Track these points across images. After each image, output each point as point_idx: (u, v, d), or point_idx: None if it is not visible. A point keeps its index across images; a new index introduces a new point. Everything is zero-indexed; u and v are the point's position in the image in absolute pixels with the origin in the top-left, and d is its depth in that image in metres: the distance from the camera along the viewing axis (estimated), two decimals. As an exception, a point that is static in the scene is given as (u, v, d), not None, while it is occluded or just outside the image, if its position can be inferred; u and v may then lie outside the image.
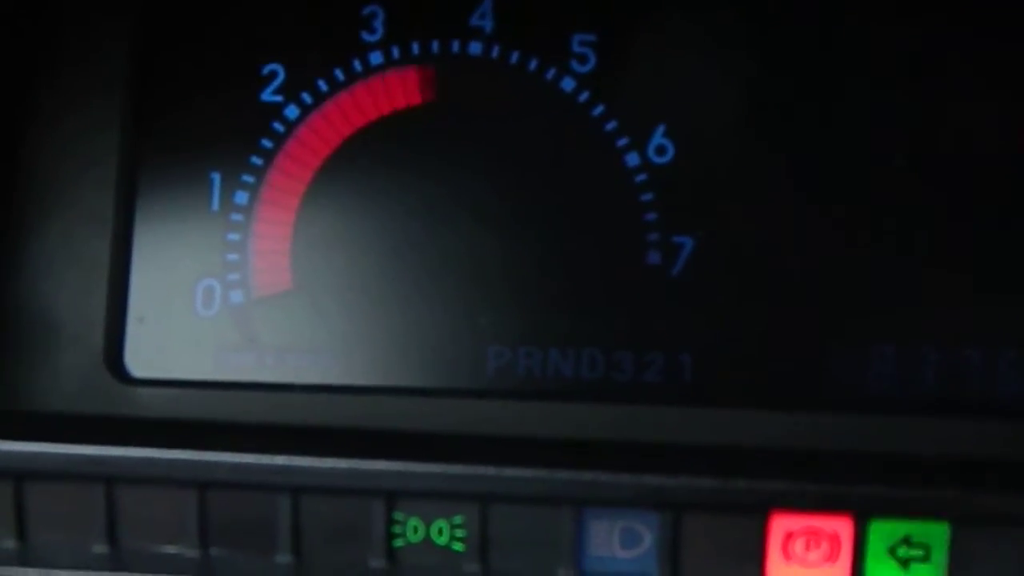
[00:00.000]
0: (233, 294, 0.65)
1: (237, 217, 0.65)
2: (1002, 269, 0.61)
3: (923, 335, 0.61)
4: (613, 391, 0.62)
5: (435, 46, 0.64)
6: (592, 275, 0.63)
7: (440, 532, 0.57)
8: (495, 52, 0.64)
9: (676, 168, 0.63)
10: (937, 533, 0.55)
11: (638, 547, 0.56)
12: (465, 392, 0.63)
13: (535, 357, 0.63)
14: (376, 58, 0.64)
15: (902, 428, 0.60)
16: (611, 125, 0.63)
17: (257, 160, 0.65)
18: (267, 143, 0.65)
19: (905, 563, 0.55)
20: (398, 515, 0.57)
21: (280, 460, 0.56)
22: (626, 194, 0.63)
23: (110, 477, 0.57)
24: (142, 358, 0.65)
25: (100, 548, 0.58)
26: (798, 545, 0.56)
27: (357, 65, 0.65)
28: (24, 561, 0.58)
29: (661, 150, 0.63)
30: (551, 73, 0.64)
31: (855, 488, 0.54)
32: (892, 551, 0.55)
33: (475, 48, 0.64)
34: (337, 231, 0.64)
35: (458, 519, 0.57)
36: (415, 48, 0.64)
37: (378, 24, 0.65)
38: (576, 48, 0.63)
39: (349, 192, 0.64)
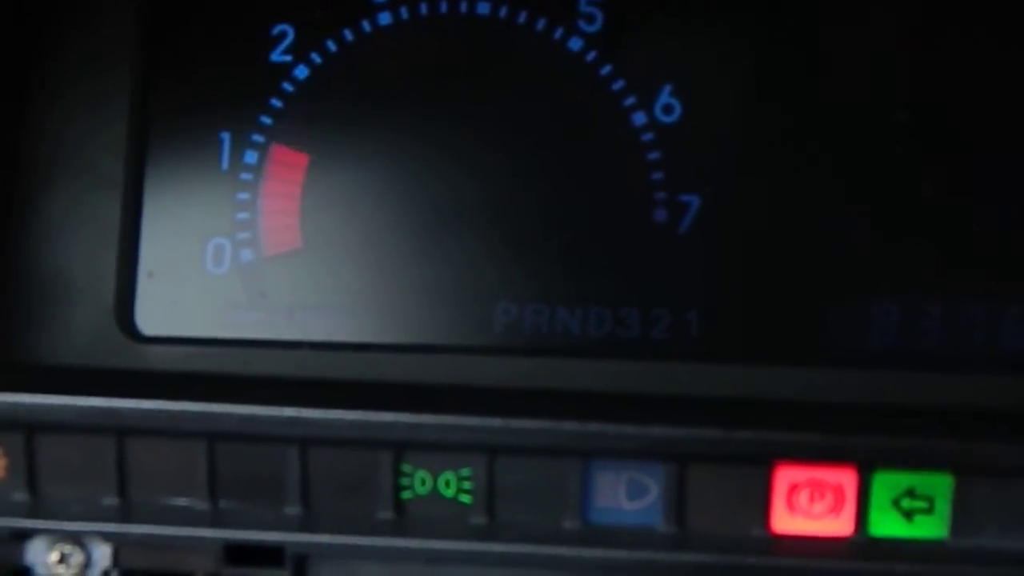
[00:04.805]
0: (243, 252, 0.65)
1: (247, 176, 0.65)
2: (1005, 223, 0.61)
3: (927, 290, 0.61)
4: (620, 347, 0.63)
5: (443, 6, 0.65)
6: (599, 233, 0.63)
7: (447, 484, 0.57)
8: (503, 11, 0.64)
9: (683, 127, 0.63)
10: (941, 485, 0.55)
11: (644, 499, 0.57)
12: (473, 349, 0.63)
13: (542, 314, 0.63)
14: (384, 18, 0.65)
15: (906, 382, 0.60)
16: (618, 84, 0.63)
17: (267, 120, 0.65)
18: (277, 103, 0.65)
19: (909, 514, 0.56)
20: (406, 467, 0.57)
21: (289, 412, 0.56)
22: (633, 153, 0.63)
23: (121, 429, 0.58)
24: (152, 316, 0.65)
25: (110, 500, 0.58)
26: (802, 497, 0.56)
27: (366, 26, 0.65)
28: (35, 513, 0.58)
29: (668, 109, 0.63)
30: (559, 32, 0.64)
31: (859, 439, 0.55)
32: (896, 503, 0.56)
33: (483, 8, 0.64)
34: (346, 190, 0.64)
35: (465, 471, 0.57)
36: (423, 8, 0.65)
37: (387, -16, 0.65)
38: (584, 7, 0.64)
39: (358, 152, 0.65)
